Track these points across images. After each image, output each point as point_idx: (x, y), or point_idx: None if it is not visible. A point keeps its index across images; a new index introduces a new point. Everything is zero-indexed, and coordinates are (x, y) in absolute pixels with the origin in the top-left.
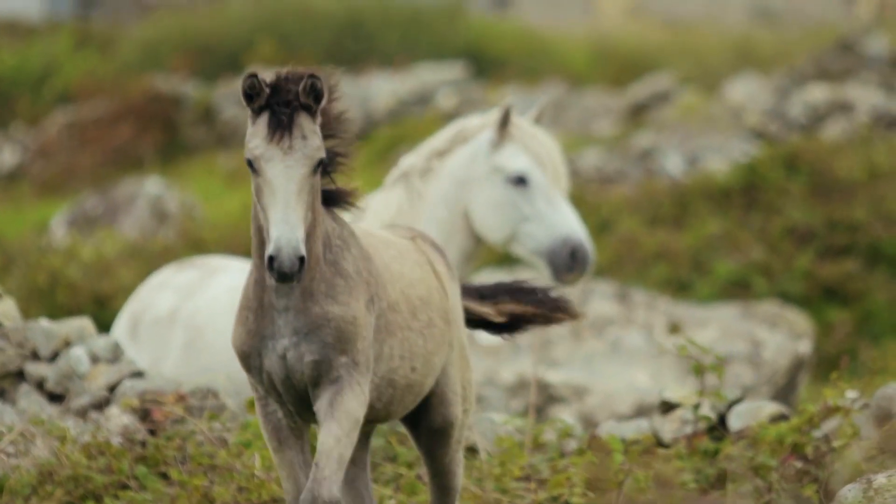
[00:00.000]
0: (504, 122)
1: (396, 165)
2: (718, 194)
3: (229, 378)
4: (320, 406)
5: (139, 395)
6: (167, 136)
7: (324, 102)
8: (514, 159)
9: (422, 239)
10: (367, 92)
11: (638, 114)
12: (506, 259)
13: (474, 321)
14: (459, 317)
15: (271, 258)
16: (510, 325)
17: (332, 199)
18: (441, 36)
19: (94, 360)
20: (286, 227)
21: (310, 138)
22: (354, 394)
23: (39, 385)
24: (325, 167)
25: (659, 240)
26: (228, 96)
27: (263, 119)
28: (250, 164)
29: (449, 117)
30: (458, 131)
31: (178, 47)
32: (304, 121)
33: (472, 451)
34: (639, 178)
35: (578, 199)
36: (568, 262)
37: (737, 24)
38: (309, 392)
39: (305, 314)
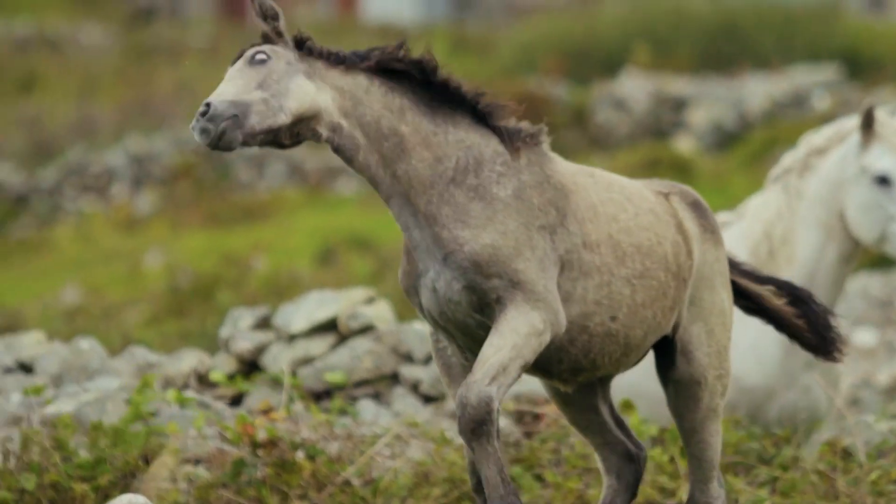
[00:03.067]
0: (868, 123)
1: (777, 163)
2: None
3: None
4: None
5: (514, 397)
6: None
7: (282, 20)
8: (879, 160)
9: (680, 195)
10: (741, 94)
11: None
12: (882, 261)
13: (746, 299)
14: (717, 282)
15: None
16: (774, 319)
17: (513, 135)
18: (816, 37)
19: None
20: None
21: (257, 48)
22: (520, 311)
23: (414, 387)
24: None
25: None
26: (602, 99)
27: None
28: None
29: (824, 119)
30: (836, 131)
31: (551, 50)
32: (261, 46)
33: (848, 453)
34: None
35: None
36: None
37: None
38: (471, 323)
39: (436, 240)
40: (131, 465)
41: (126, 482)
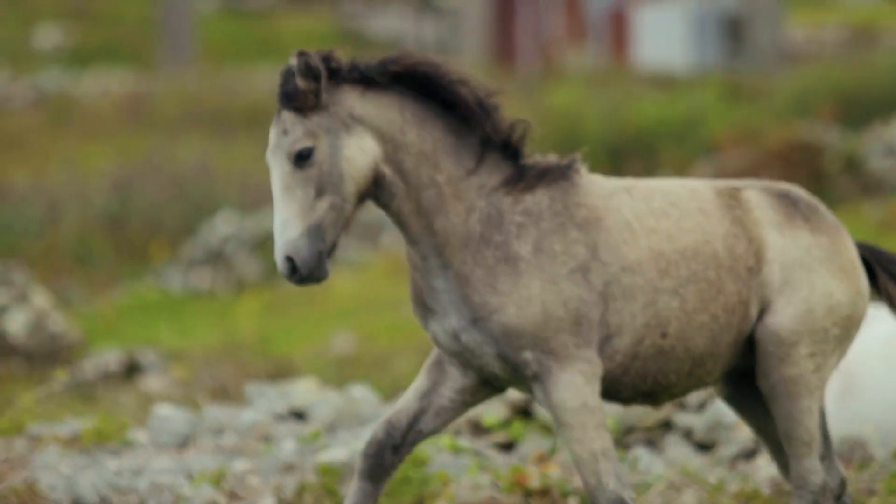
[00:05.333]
0: None
1: None
2: None
3: (879, 428)
4: (538, 400)
5: None
6: (811, 184)
7: (324, 80)
8: None
9: (762, 188)
10: None
11: None
12: None
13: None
14: (818, 266)
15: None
16: None
17: (538, 175)
18: None
19: None
20: (277, 232)
21: (291, 132)
22: (560, 386)
23: (687, 435)
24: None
25: None
26: (874, 146)
27: None
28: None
29: None
30: None
31: (825, 97)
32: (286, 115)
33: None
34: None
35: None
36: None
37: None
38: (493, 369)
39: (465, 301)
40: None
41: None
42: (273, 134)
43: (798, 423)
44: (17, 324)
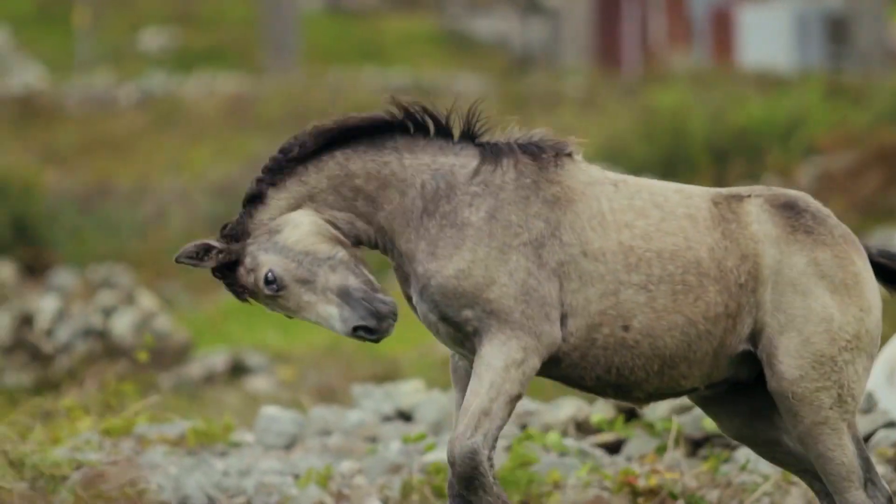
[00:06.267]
0: None
1: None
2: None
3: None
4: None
5: (893, 444)
6: None
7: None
8: None
9: (767, 198)
10: None
11: None
12: None
13: None
14: (814, 286)
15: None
16: None
17: (525, 150)
18: None
19: None
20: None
21: (251, 272)
22: (494, 344)
23: None
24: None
25: None
26: None
27: None
28: None
29: None
30: None
31: None
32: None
33: None
34: None
35: None
36: None
37: None
38: (458, 343)
39: (414, 276)
40: None
41: None
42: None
43: (832, 461)
44: (123, 325)
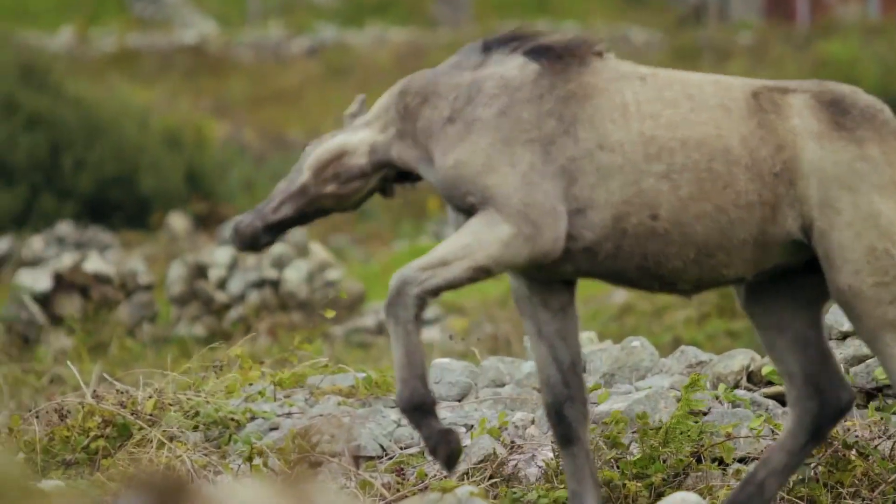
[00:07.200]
0: None
1: None
2: None
3: None
4: None
5: None
6: None
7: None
8: None
9: (813, 93)
10: None
11: None
12: None
13: None
14: (861, 183)
15: None
16: None
17: (551, 49)
18: None
19: None
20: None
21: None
22: (486, 219)
23: None
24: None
25: None
26: None
27: None
28: None
29: None
30: None
31: None
32: None
33: None
34: None
35: None
36: None
37: None
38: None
39: (437, 184)
40: (683, 464)
41: (678, 480)
42: None
43: (892, 358)
44: (296, 277)
